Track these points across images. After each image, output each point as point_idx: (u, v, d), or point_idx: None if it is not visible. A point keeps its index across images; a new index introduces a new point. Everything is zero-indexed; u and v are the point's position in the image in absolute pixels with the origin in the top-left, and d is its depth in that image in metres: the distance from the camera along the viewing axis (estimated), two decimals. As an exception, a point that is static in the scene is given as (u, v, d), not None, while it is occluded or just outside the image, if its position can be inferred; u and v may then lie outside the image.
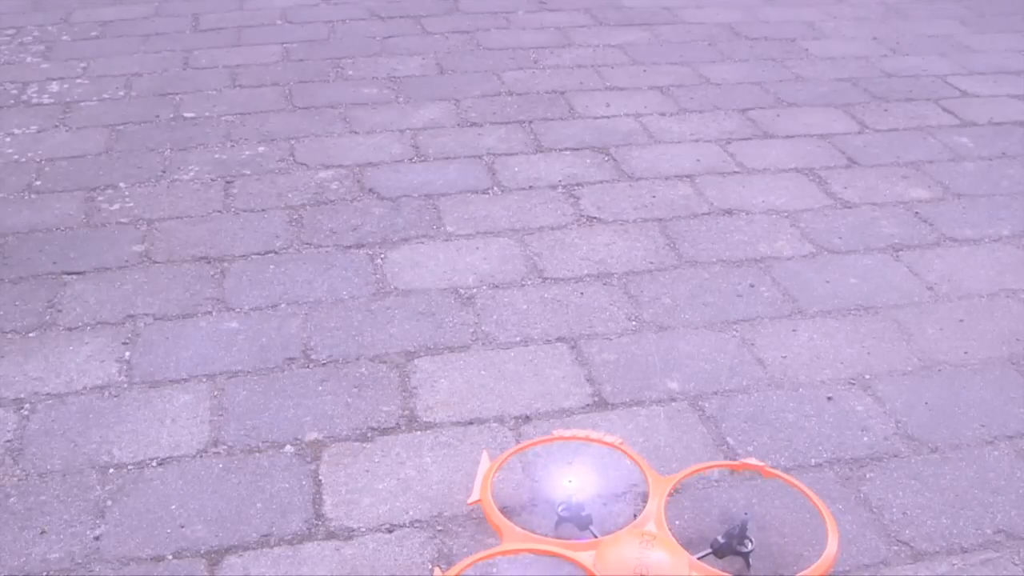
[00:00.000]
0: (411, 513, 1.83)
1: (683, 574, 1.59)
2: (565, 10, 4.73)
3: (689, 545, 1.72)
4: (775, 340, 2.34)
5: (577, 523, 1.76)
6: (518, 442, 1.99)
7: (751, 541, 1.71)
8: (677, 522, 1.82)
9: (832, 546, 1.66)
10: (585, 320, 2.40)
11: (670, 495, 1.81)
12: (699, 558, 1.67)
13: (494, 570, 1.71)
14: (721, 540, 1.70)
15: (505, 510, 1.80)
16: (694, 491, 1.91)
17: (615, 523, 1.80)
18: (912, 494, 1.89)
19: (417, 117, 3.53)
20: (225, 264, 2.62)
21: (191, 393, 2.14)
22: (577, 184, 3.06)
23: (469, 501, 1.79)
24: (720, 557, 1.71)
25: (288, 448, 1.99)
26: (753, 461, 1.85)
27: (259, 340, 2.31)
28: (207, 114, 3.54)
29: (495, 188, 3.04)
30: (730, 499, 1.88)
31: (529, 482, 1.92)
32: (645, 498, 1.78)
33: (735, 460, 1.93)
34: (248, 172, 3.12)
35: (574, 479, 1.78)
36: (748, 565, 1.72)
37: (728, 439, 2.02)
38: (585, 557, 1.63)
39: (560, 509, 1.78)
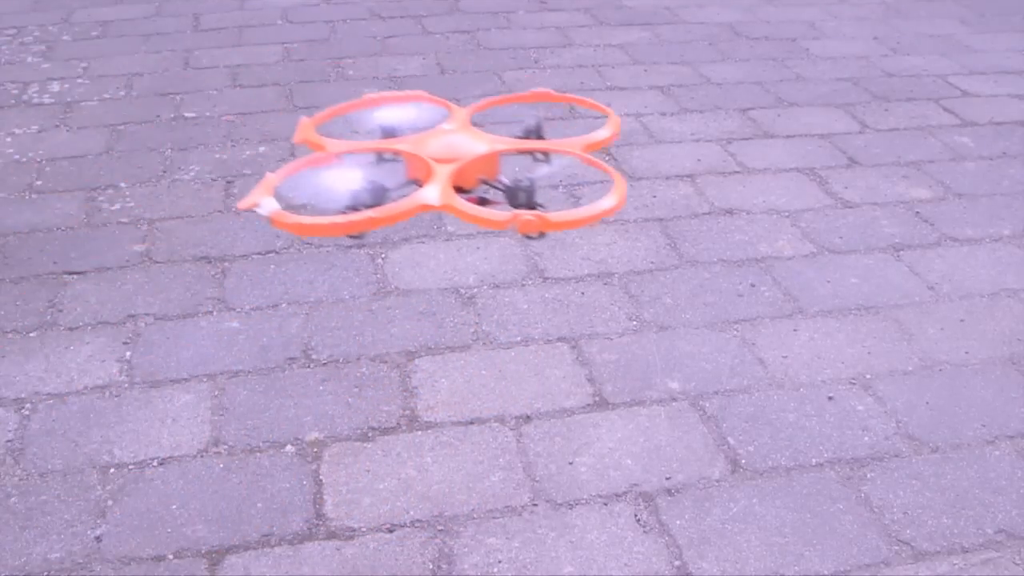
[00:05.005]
0: (412, 513, 1.83)
1: (499, 147, 1.83)
2: (566, 10, 4.73)
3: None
4: (776, 340, 2.34)
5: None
6: (519, 443, 1.99)
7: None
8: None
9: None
10: (586, 320, 2.40)
11: (472, 115, 2.00)
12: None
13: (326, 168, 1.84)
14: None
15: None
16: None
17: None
18: (913, 494, 1.89)
19: (418, 117, 3.53)
20: (226, 264, 2.62)
21: (192, 393, 2.14)
22: (578, 184, 3.06)
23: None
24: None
25: (289, 448, 1.99)
26: (540, 89, 2.08)
27: (260, 340, 2.31)
28: (208, 114, 3.54)
29: (496, 188, 3.03)
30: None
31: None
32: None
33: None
34: (249, 172, 3.12)
35: (390, 116, 1.95)
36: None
37: (729, 439, 2.02)
38: (404, 146, 1.80)
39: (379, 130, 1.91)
